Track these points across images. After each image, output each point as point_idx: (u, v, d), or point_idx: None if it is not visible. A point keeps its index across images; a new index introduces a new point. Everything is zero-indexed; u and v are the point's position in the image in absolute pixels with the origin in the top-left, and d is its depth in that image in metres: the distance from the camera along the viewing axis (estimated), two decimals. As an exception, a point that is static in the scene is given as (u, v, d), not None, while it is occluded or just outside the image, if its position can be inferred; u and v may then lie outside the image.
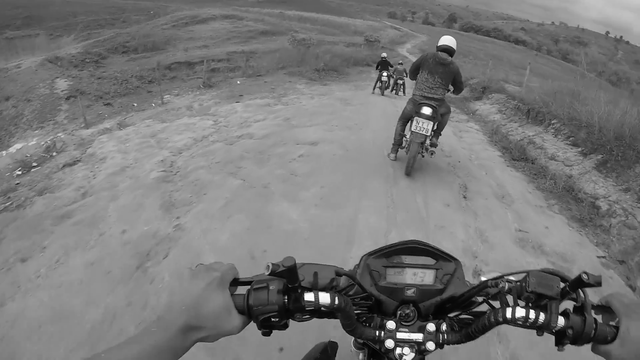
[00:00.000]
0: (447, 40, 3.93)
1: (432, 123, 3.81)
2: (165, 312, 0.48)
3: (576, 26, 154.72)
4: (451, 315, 0.67)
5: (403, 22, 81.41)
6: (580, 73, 11.54)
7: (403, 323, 0.64)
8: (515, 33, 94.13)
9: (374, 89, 10.36)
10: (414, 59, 26.11)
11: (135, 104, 9.80)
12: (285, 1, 73.69)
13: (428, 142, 4.22)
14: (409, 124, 4.18)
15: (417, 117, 3.83)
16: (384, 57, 10.47)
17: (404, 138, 4.42)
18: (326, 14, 48.55)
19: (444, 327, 0.63)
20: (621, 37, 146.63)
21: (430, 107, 3.80)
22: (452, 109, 5.53)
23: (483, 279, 0.63)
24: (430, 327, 0.62)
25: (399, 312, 0.65)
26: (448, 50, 3.90)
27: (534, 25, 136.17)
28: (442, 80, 3.94)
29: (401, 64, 10.82)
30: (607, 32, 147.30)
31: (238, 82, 10.48)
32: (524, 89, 8.54)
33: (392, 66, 10.27)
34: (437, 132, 4.35)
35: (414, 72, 4.19)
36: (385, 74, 9.72)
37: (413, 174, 4.20)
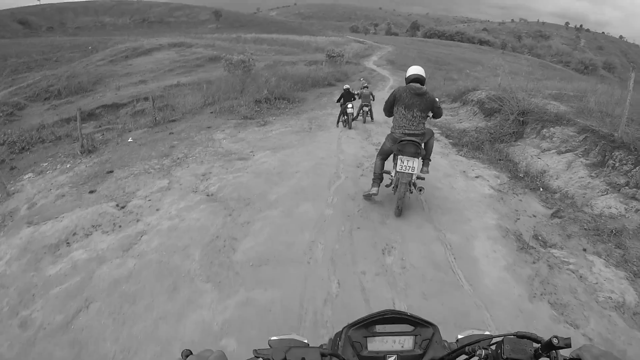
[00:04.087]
0: (416, 70, 3.83)
1: (417, 160, 3.62)
2: None
3: (536, 20, 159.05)
4: None
5: (366, 35, 79.64)
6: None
7: None
8: (479, 34, 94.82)
9: (337, 122, 8.64)
10: (381, 71, 23.60)
11: (-18, 202, 6.15)
12: (245, 25, 71.00)
13: (414, 179, 3.90)
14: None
15: (400, 156, 3.65)
16: (347, 89, 8.69)
17: (385, 174, 4.19)
18: (287, 34, 46.04)
19: None
20: (581, 25, 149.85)
21: (414, 144, 3.61)
22: (495, 179, 4.92)
23: (460, 336, 0.72)
24: None
25: None
26: (419, 80, 3.77)
27: (495, 25, 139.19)
28: (420, 112, 3.73)
29: (366, 87, 9.17)
30: (567, 23, 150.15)
31: (130, 140, 7.05)
32: (622, 126, 4.58)
33: (354, 98, 8.68)
34: (426, 159, 4.17)
35: (389, 109, 3.96)
36: (350, 105, 8.24)
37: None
